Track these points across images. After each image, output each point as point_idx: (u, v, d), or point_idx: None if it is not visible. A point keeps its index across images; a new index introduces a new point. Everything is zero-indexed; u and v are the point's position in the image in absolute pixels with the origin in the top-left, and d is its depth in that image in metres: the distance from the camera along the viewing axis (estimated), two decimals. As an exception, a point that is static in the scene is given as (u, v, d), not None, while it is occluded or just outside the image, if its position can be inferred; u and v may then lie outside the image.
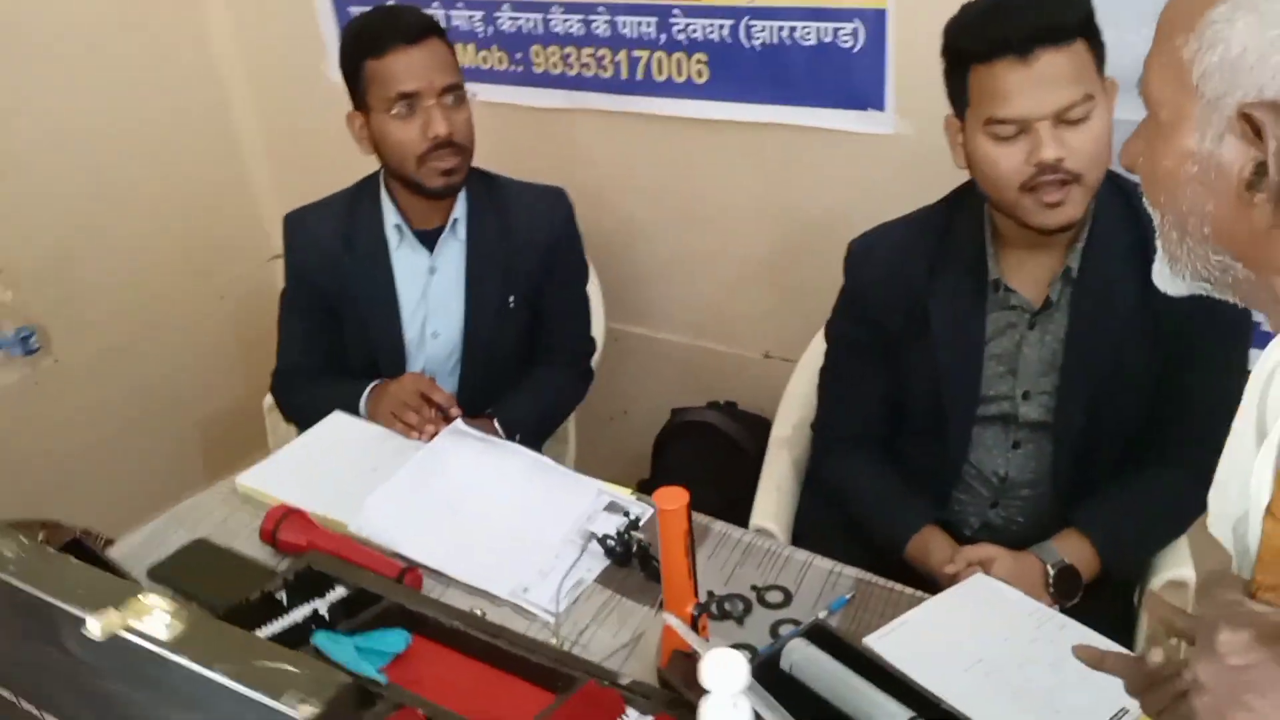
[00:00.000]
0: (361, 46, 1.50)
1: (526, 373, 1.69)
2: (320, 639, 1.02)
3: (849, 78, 1.76)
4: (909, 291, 1.35)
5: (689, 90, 1.93)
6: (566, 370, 1.74)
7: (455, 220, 1.62)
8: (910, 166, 1.73)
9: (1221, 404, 0.99)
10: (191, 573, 1.21)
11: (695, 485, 1.88)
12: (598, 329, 1.97)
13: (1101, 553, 1.27)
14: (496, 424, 1.56)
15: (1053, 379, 1.31)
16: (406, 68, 1.47)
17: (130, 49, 2.29)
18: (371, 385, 1.54)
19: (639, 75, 1.96)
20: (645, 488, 2.02)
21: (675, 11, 1.87)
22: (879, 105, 1.76)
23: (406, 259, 1.62)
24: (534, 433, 1.63)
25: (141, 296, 2.39)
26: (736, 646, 1.07)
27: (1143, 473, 1.32)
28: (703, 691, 0.76)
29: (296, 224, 1.66)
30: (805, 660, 1.02)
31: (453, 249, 1.63)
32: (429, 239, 1.62)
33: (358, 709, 0.51)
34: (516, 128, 2.14)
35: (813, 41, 1.77)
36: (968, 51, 1.19)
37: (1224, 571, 0.86)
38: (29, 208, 2.17)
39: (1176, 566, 1.33)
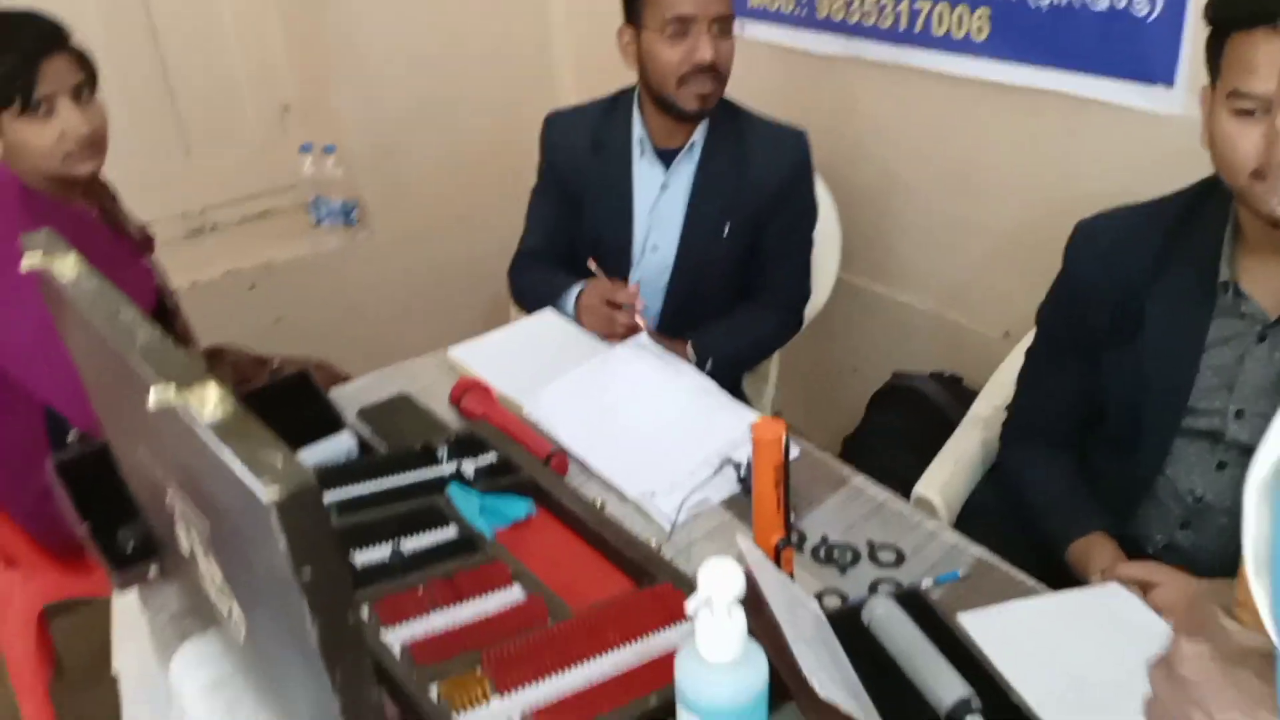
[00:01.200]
0: None
1: (736, 306, 1.74)
2: (454, 489, 1.16)
3: (1139, 48, 1.62)
4: (1126, 286, 1.24)
5: (967, 47, 1.85)
6: (775, 312, 1.77)
7: (693, 144, 1.69)
8: (1195, 154, 1.56)
9: None
10: (388, 419, 1.40)
11: (898, 451, 1.88)
12: (828, 279, 1.97)
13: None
14: (690, 348, 1.63)
15: (1274, 401, 1.16)
16: None
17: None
18: (580, 286, 1.65)
19: (918, 27, 1.91)
20: (849, 444, 2.03)
21: (963, -38, 1.79)
22: (1169, 80, 1.60)
23: (644, 172, 1.72)
24: (729, 365, 1.68)
25: (450, 188, 2.69)
26: (829, 592, 1.10)
27: None
28: (760, 612, 0.79)
29: (555, 122, 1.80)
30: (884, 618, 1.02)
31: (685, 169, 1.70)
32: (667, 157, 1.70)
33: (317, 505, 0.60)
34: (792, 70, 2.16)
35: (1103, 6, 1.64)
36: (1227, 16, 1.07)
37: (1221, 584, 0.77)
38: (370, 99, 2.51)
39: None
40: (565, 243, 1.80)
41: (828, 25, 2.07)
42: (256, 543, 0.64)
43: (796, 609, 0.95)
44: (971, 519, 1.45)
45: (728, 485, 1.26)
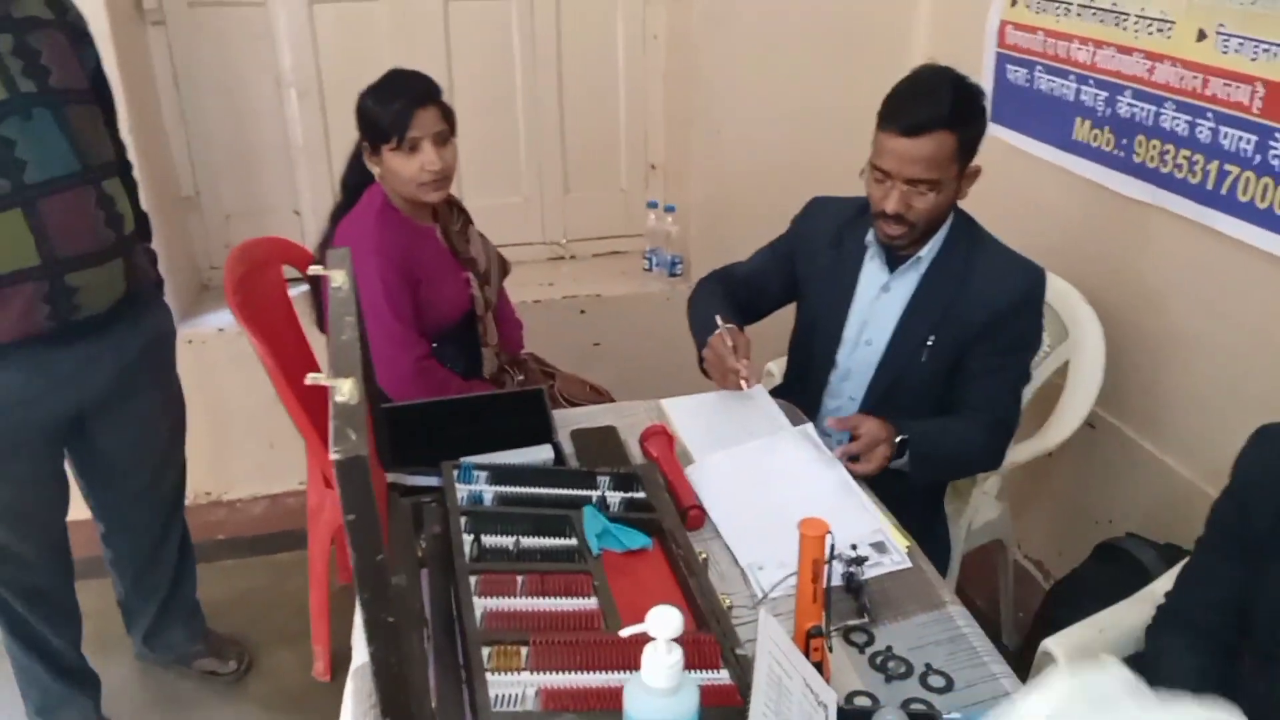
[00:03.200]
0: (882, 108, 1.70)
1: (944, 416, 1.80)
2: (588, 510, 1.41)
3: None
4: None
5: (1271, 220, 1.76)
6: (982, 431, 1.77)
7: (920, 258, 1.79)
8: None
9: None
10: (589, 443, 1.68)
11: (1090, 612, 1.84)
12: (1079, 412, 1.97)
13: None
14: (886, 425, 1.67)
15: None
16: (890, 150, 1.66)
17: (826, 52, 2.78)
18: (716, 332, 1.77)
19: (1224, 189, 1.84)
20: (1056, 587, 1.99)
21: (1278, 135, 1.71)
22: None
23: (870, 272, 1.85)
24: (925, 460, 1.70)
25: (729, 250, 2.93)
26: (863, 694, 1.20)
27: None
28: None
29: (816, 207, 1.99)
30: (888, 728, 1.11)
31: (910, 278, 1.80)
32: (896, 262, 1.82)
33: (364, 471, 0.87)
34: (1098, 208, 2.15)
35: None
36: None
37: None
38: (714, 171, 2.84)
39: None
40: (762, 294, 1.98)
41: (1141, 171, 2.04)
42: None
43: (794, 688, 1.08)
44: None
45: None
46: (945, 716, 1.15)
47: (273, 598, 2.55)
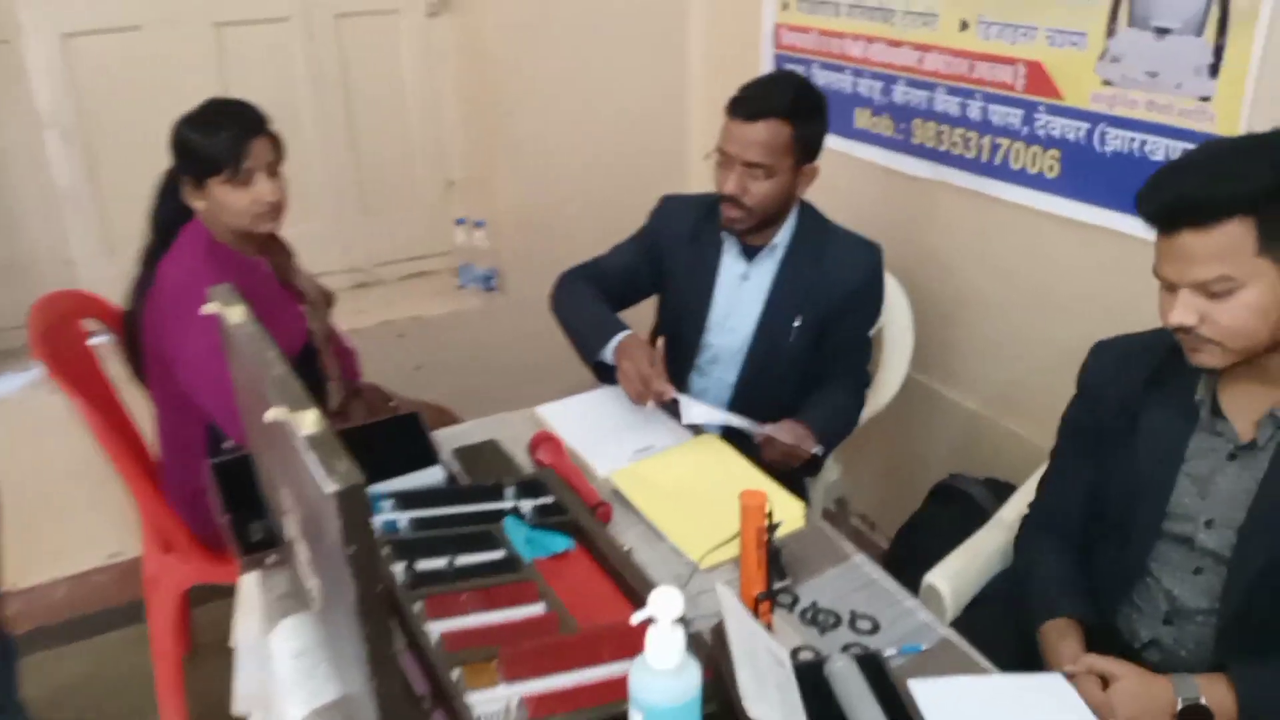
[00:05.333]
0: (730, 99, 1.85)
1: (815, 387, 1.94)
2: (508, 521, 1.42)
3: (1189, 198, 1.75)
4: (1123, 396, 1.42)
5: (1040, 183, 2.02)
6: (854, 393, 1.98)
7: (775, 245, 1.93)
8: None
9: None
10: (476, 459, 1.68)
11: (939, 548, 2.02)
12: (898, 376, 2.16)
13: (1242, 708, 1.25)
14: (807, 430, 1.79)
15: (1240, 516, 1.30)
16: (732, 134, 1.82)
17: (618, 59, 2.87)
18: (623, 336, 1.83)
19: (998, 160, 2.09)
20: (902, 532, 2.18)
21: (1040, 108, 1.97)
22: (1213, 231, 1.73)
23: (729, 263, 1.97)
24: (834, 441, 1.91)
25: (579, 258, 2.99)
26: (805, 648, 1.29)
27: None
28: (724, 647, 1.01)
29: (667, 205, 2.09)
30: (841, 674, 1.20)
31: (767, 266, 1.94)
32: (751, 251, 1.95)
33: (363, 499, 0.86)
34: (889, 188, 2.37)
35: (1160, 157, 1.79)
36: (1143, 213, 1.26)
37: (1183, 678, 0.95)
38: (520, 183, 2.86)
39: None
40: (627, 286, 2.06)
41: (921, 151, 2.27)
42: (325, 526, 0.91)
43: (758, 651, 1.15)
44: (974, 611, 1.59)
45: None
46: (886, 653, 1.25)
47: (102, 686, 2.33)
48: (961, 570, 1.63)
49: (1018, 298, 2.16)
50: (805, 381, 1.97)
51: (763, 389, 1.99)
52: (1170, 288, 1.23)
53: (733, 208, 1.85)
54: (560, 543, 1.41)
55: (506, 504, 1.48)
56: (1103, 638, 1.45)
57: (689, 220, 2.02)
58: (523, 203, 2.89)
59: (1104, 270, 1.96)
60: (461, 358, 2.90)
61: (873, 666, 1.21)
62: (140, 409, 2.03)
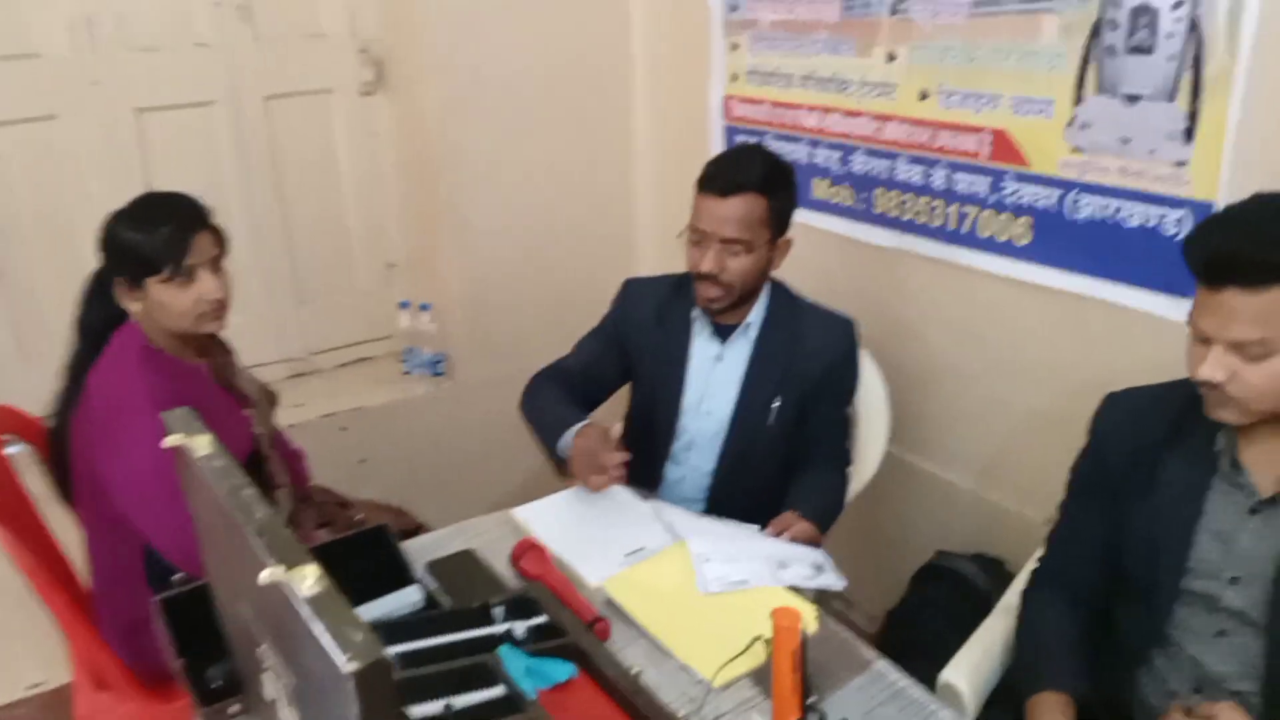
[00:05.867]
0: (700, 176, 1.79)
1: (796, 470, 1.86)
2: (504, 650, 1.28)
3: (1169, 263, 1.74)
4: (1142, 447, 1.38)
5: (1011, 250, 1.99)
6: (837, 473, 1.91)
7: (749, 324, 1.86)
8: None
9: None
10: (453, 573, 1.54)
11: (939, 631, 1.94)
12: (877, 452, 2.08)
13: None
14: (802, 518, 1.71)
15: (1267, 572, 1.26)
16: (706, 211, 1.75)
17: (565, 137, 2.80)
18: (579, 425, 1.74)
19: (966, 229, 2.06)
20: (893, 616, 2.10)
21: (1007, 175, 1.95)
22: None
23: (701, 345, 1.90)
24: (827, 526, 1.79)
25: (531, 342, 2.86)
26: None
27: None
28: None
29: (631, 289, 2.01)
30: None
31: (741, 346, 1.87)
32: (724, 331, 1.88)
33: (387, 677, 0.73)
34: (853, 258, 2.33)
35: (1136, 223, 1.77)
36: (1189, 261, 1.23)
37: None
38: (463, 256, 2.75)
39: None
40: (594, 383, 1.97)
41: (883, 220, 2.24)
42: (336, 704, 0.78)
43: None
44: (997, 705, 1.51)
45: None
46: (931, 774, 1.16)
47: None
48: (977, 665, 1.54)
49: (992, 366, 2.12)
50: (785, 465, 1.89)
51: (742, 475, 1.90)
52: (1204, 340, 1.20)
53: (711, 286, 1.78)
54: (562, 670, 1.28)
55: (498, 628, 1.34)
56: (1112, 710, 1.38)
57: (655, 302, 1.95)
58: (469, 284, 2.78)
59: (1080, 337, 1.93)
60: (410, 449, 2.75)
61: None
62: (66, 530, 1.84)
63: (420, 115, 2.66)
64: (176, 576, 1.58)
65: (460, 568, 1.56)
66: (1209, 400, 1.24)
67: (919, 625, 1.99)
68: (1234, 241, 1.15)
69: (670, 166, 2.86)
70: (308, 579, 0.80)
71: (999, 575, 2.03)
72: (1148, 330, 1.80)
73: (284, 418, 2.53)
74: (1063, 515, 1.54)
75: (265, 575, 0.80)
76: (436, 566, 1.57)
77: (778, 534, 1.64)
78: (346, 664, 0.71)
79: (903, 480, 2.29)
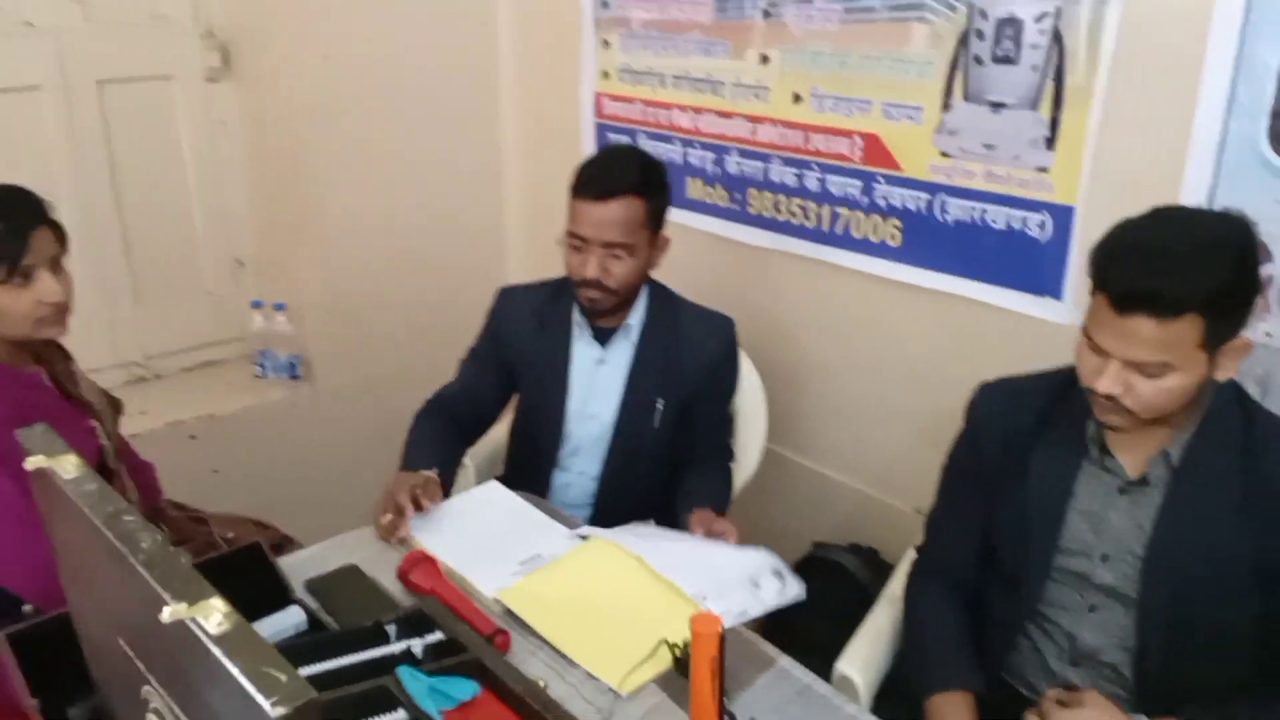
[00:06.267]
0: (574, 180, 1.76)
1: (682, 471, 1.86)
2: (403, 671, 1.21)
3: (1033, 264, 1.82)
4: (1015, 434, 1.43)
5: (883, 251, 2.05)
6: (722, 467, 1.92)
7: (630, 326, 1.84)
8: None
9: None
10: (335, 591, 1.45)
11: (819, 622, 1.97)
12: (756, 449, 2.10)
13: None
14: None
15: (1137, 552, 1.33)
16: (585, 217, 1.73)
17: (429, 134, 2.71)
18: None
19: (839, 230, 2.11)
20: (773, 614, 2.12)
21: (878, 178, 2.01)
22: (1057, 294, 1.80)
23: (582, 350, 1.86)
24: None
25: (393, 345, 2.78)
26: (755, 775, 1.17)
27: (1272, 695, 1.30)
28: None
29: (507, 297, 1.95)
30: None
31: (623, 348, 1.85)
32: (604, 335, 1.85)
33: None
34: (727, 258, 2.34)
35: (1001, 226, 1.85)
36: (1092, 270, 1.25)
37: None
38: (325, 260, 2.62)
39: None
40: (479, 404, 1.92)
41: (758, 221, 2.26)
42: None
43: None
44: (889, 695, 1.54)
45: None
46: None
47: None
48: (869, 657, 1.57)
49: (864, 363, 2.18)
50: (670, 466, 1.89)
51: (628, 478, 1.88)
52: (1101, 354, 1.24)
53: (594, 290, 1.75)
54: (466, 688, 1.22)
55: (395, 647, 1.27)
56: (993, 688, 1.44)
57: (532, 309, 1.90)
58: (328, 284, 2.65)
59: (948, 334, 2.01)
60: (267, 458, 2.60)
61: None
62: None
63: (272, 106, 2.52)
64: (26, 608, 1.43)
65: (344, 585, 1.47)
66: (1100, 406, 1.28)
67: (800, 619, 2.01)
68: (1153, 279, 1.16)
69: (541, 164, 2.81)
70: (214, 615, 0.72)
71: (874, 563, 2.09)
72: (1011, 328, 1.88)
73: (126, 426, 2.35)
74: (940, 504, 1.58)
75: (167, 614, 0.72)
76: (317, 585, 1.47)
77: (706, 534, 1.62)
78: (272, 709, 0.65)
79: (779, 475, 2.32)
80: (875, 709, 1.50)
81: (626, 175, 1.72)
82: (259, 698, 0.65)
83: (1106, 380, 1.22)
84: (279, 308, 2.61)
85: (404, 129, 2.66)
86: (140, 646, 0.87)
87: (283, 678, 0.67)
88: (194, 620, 0.72)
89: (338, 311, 2.67)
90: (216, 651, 0.70)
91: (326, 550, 1.59)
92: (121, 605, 0.89)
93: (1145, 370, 1.20)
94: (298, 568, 1.52)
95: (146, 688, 0.88)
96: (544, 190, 2.83)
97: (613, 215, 1.71)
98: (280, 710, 0.65)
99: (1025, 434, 1.43)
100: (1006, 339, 1.90)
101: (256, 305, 2.62)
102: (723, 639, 1.11)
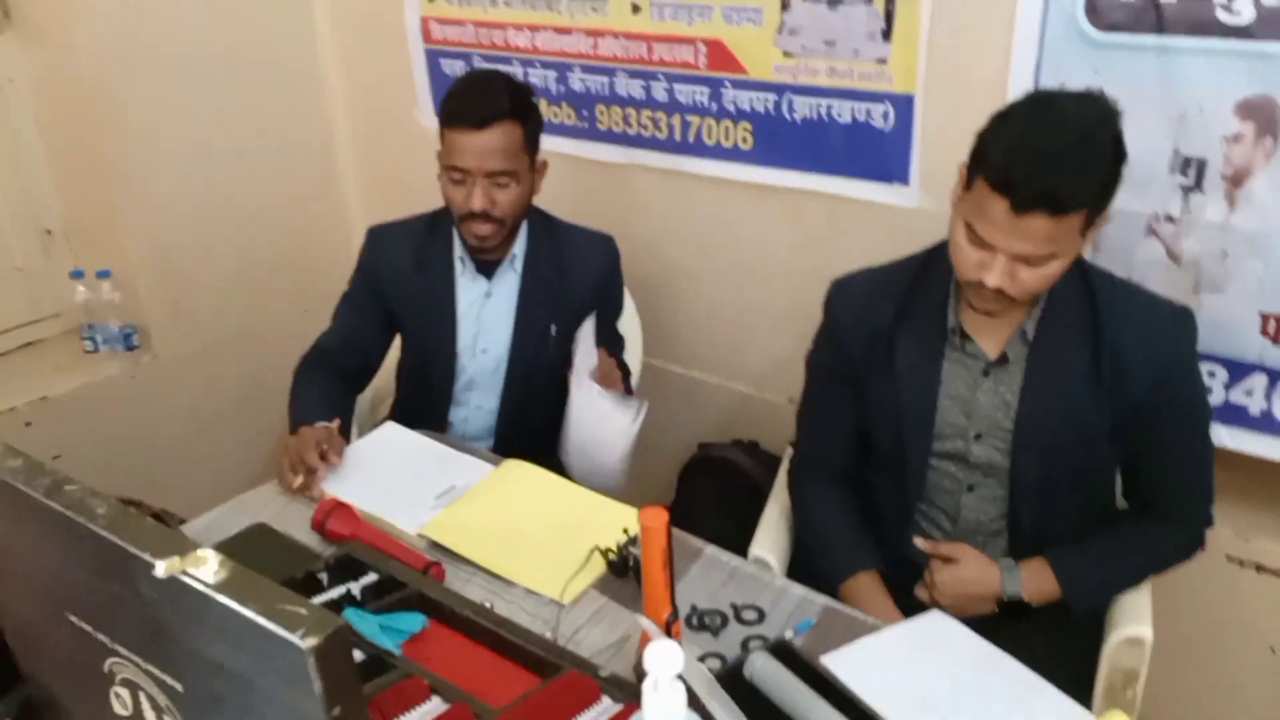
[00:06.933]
0: (443, 111, 1.71)
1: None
2: (350, 614, 1.20)
3: (879, 154, 1.91)
4: (877, 328, 1.49)
5: (736, 155, 2.10)
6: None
7: (514, 256, 1.82)
8: (930, 235, 1.87)
9: (1192, 467, 1.37)
10: (249, 552, 1.40)
11: (714, 517, 2.06)
12: (634, 363, 2.14)
13: (1065, 591, 1.43)
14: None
15: (1006, 427, 1.44)
16: (464, 148, 1.67)
17: (247, 81, 2.55)
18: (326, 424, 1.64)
19: (691, 138, 2.14)
20: (671, 516, 2.19)
21: (725, 84, 2.05)
22: (904, 180, 1.91)
23: (467, 285, 1.83)
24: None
25: (235, 304, 2.64)
26: (709, 655, 1.23)
27: (1123, 524, 1.49)
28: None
29: (377, 237, 1.88)
30: (764, 671, 1.17)
31: (509, 279, 1.83)
32: (489, 268, 1.83)
33: (347, 647, 0.67)
34: (581, 177, 2.34)
35: (847, 119, 1.93)
36: (985, 171, 1.26)
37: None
38: (143, 217, 2.44)
39: (1135, 624, 1.44)
40: (362, 351, 1.87)
41: (609, 136, 2.27)
42: (268, 693, 0.70)
43: (694, 674, 1.08)
44: (799, 567, 1.64)
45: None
46: (788, 635, 1.24)
47: None
48: (776, 539, 1.66)
49: (728, 267, 2.24)
50: (567, 391, 1.89)
51: (526, 407, 1.88)
52: (986, 248, 1.28)
53: (483, 223, 1.71)
54: (414, 621, 1.22)
55: (333, 593, 1.25)
56: (893, 567, 1.56)
57: (408, 248, 1.85)
58: (153, 249, 2.47)
59: (805, 230, 2.09)
60: (113, 436, 2.43)
61: (787, 655, 1.20)
62: None
63: (68, 59, 2.29)
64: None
65: (257, 544, 1.43)
66: (980, 297, 1.33)
67: (695, 517, 2.09)
68: (1050, 179, 1.19)
69: (372, 100, 2.70)
70: (209, 563, 0.70)
71: (757, 455, 2.19)
72: (864, 216, 1.98)
73: (-51, 422, 2.17)
74: (808, 402, 1.64)
75: (161, 569, 0.69)
76: (228, 547, 1.41)
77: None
78: (303, 641, 0.64)
79: (659, 387, 2.37)
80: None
81: (499, 101, 1.68)
82: (286, 634, 0.64)
83: (995, 275, 1.27)
84: (103, 275, 2.42)
85: (220, 78, 2.48)
86: (102, 619, 0.83)
87: (303, 611, 0.66)
88: (187, 573, 0.69)
89: (169, 276, 2.50)
90: (222, 599, 0.68)
91: (227, 514, 1.53)
92: (74, 579, 0.84)
93: (1031, 261, 1.26)
94: (201, 534, 1.46)
95: (112, 660, 0.84)
96: (378, 127, 2.74)
97: (492, 143, 1.67)
98: (311, 641, 0.64)
99: (886, 326, 1.48)
100: (861, 228, 2.00)
101: (77, 275, 2.42)
102: (669, 529, 1.15)
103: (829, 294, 1.58)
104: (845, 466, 1.61)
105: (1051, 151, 1.21)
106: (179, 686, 0.79)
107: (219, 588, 0.68)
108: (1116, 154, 1.26)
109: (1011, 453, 1.44)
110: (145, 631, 0.79)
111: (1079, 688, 1.34)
